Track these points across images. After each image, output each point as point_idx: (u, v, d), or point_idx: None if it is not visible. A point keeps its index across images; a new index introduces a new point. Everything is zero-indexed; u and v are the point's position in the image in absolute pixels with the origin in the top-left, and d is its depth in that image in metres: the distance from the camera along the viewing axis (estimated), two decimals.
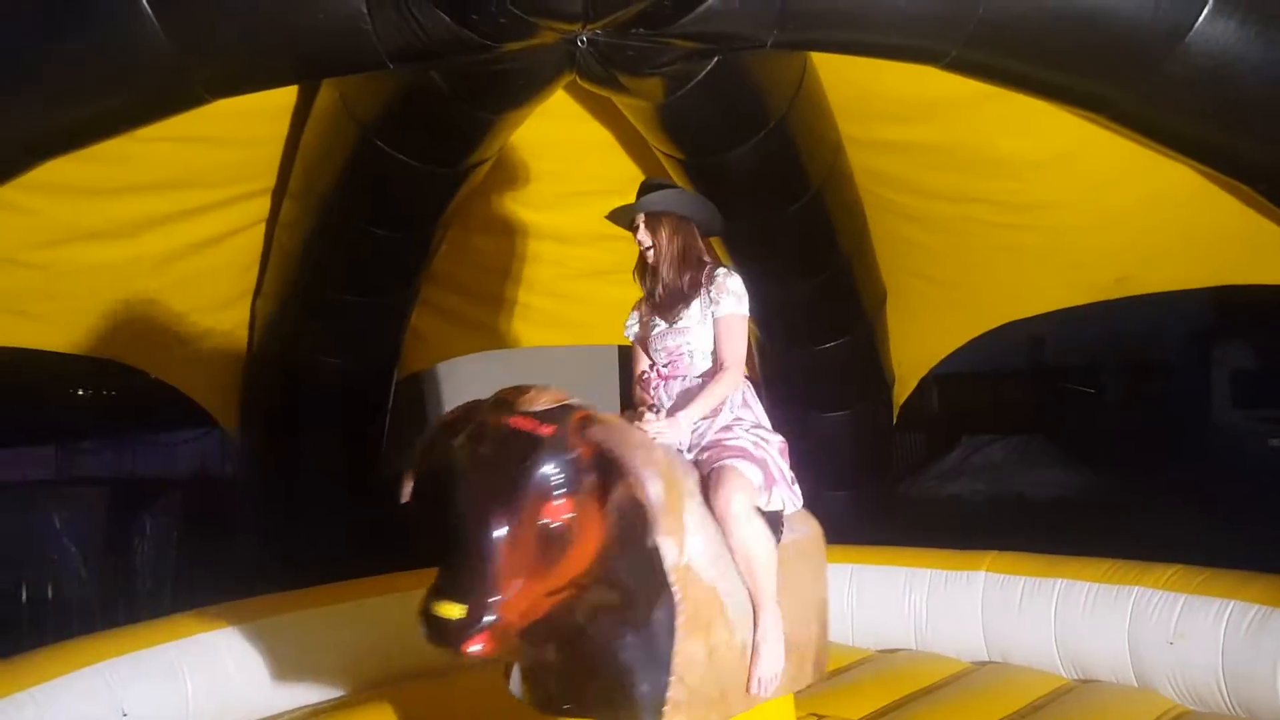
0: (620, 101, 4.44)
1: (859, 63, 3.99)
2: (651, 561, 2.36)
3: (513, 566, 2.12)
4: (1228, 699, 3.45)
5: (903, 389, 5.99)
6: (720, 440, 2.70)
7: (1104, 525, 6.76)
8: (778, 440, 2.80)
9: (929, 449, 13.05)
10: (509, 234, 5.49)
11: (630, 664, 2.38)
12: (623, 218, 2.90)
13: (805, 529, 2.91)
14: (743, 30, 3.55)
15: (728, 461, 2.61)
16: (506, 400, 2.30)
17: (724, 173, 4.65)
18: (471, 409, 2.36)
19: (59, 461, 12.13)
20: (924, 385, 6.17)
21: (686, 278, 2.84)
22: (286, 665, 3.80)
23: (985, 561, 4.24)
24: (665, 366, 2.84)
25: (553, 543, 2.18)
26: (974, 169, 4.68)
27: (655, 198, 2.86)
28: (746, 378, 2.88)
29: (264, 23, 3.40)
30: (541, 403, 2.28)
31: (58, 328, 4.92)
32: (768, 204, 4.87)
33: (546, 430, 2.21)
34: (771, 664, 2.61)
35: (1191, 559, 3.79)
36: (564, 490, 2.19)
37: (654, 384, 2.86)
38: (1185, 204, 4.26)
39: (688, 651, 2.41)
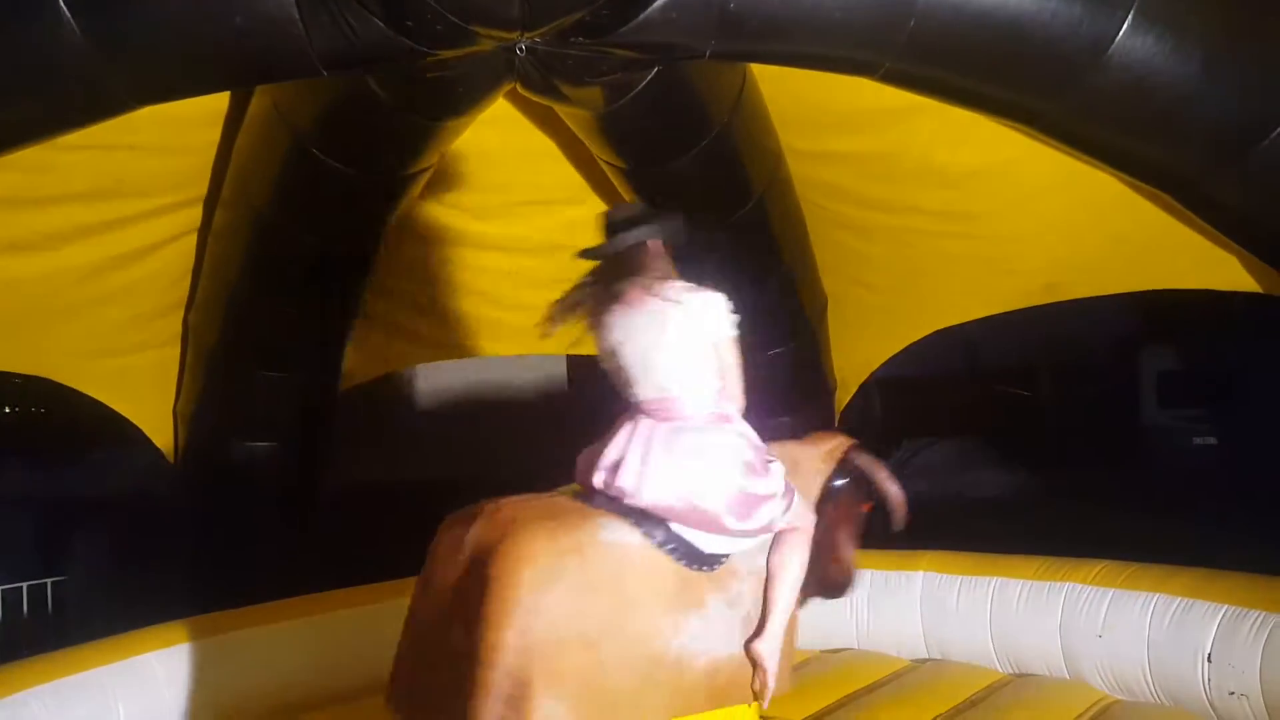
0: (561, 110, 4.43)
1: (799, 74, 4.05)
2: None
3: None
4: (1153, 688, 3.57)
5: (844, 394, 6.07)
6: None
7: (1039, 523, 6.93)
8: None
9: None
10: (454, 244, 5.43)
11: None
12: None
13: None
14: (681, 40, 3.57)
15: None
16: None
17: (665, 181, 4.67)
18: None
19: None
20: (865, 390, 6.26)
21: None
22: (224, 687, 3.70)
23: (923, 561, 4.32)
24: None
25: None
26: (911, 179, 4.77)
27: None
28: None
29: (191, 27, 3.28)
30: None
31: None
32: (709, 212, 4.91)
33: None
34: None
35: (1122, 554, 3.91)
36: None
37: None
38: (1111, 212, 4.40)
39: None
